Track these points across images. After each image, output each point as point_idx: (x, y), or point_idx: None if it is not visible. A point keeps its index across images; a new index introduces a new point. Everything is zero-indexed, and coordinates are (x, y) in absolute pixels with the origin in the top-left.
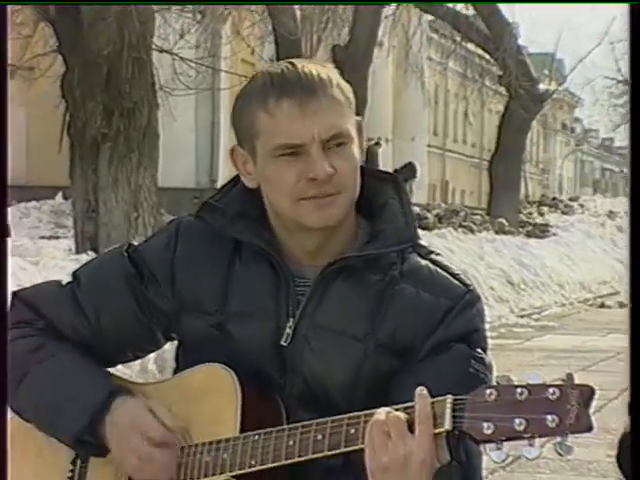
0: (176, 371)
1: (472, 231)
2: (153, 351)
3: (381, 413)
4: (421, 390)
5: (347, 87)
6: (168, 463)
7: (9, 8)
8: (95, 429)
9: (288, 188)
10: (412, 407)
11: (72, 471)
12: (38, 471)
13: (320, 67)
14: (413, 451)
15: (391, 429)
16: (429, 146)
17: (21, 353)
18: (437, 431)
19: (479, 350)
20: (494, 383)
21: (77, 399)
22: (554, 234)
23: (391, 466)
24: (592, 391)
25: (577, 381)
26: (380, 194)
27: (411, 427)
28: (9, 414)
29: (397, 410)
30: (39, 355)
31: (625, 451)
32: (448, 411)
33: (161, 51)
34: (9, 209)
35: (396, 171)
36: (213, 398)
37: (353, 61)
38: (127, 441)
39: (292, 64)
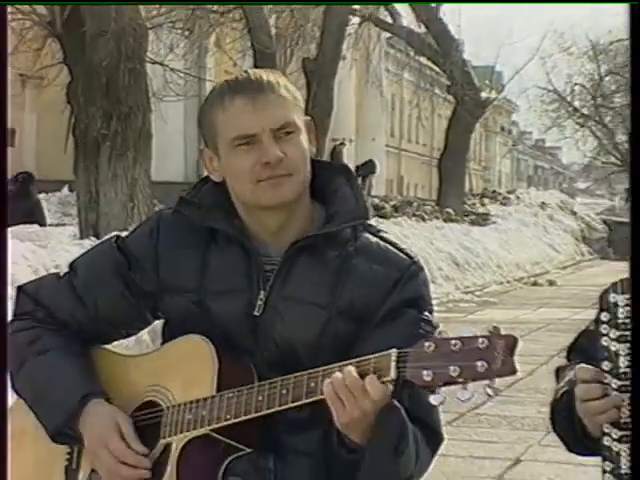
0: (162, 343)
1: (424, 219)
2: (143, 328)
3: (339, 372)
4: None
5: (293, 88)
6: (135, 475)
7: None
8: (72, 426)
9: (247, 173)
10: (364, 361)
11: (70, 453)
12: (40, 446)
13: (269, 72)
14: (371, 404)
15: (351, 388)
16: (387, 146)
17: (21, 344)
18: (384, 380)
19: (426, 313)
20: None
21: (57, 398)
22: (494, 222)
23: (357, 417)
24: (515, 340)
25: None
26: (332, 182)
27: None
28: (13, 396)
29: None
30: (35, 348)
31: (557, 414)
32: (393, 363)
33: (153, 62)
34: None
35: (358, 167)
36: (193, 365)
37: (321, 72)
38: (96, 454)
39: (245, 71)
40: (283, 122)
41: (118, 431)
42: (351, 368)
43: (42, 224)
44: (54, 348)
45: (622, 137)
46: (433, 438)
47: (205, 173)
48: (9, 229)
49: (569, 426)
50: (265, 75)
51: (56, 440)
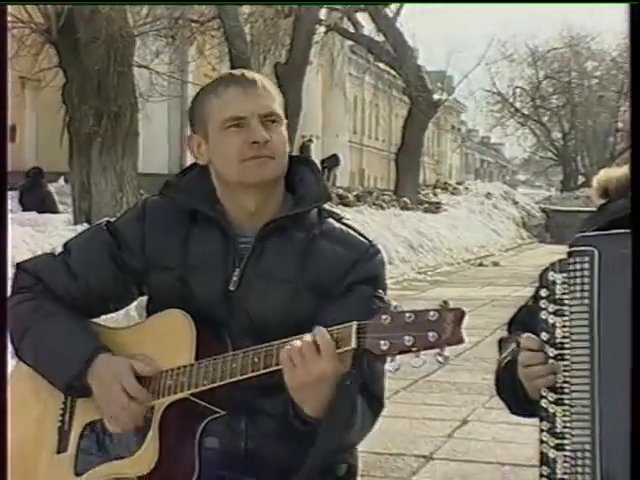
0: (147, 317)
1: (382, 208)
2: (129, 303)
3: (296, 340)
4: (320, 329)
5: (277, 90)
6: (138, 414)
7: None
8: (81, 379)
9: (235, 152)
10: (330, 331)
11: (63, 408)
12: (35, 407)
13: (256, 76)
14: (324, 369)
15: (305, 352)
16: (350, 142)
17: (24, 313)
18: (345, 349)
19: (380, 291)
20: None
21: (67, 354)
22: (445, 210)
23: (307, 381)
24: (463, 313)
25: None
26: (298, 172)
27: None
28: (13, 361)
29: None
30: (39, 315)
31: (501, 380)
32: (354, 334)
33: (140, 66)
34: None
35: (324, 161)
36: (174, 336)
37: (291, 75)
38: (109, 390)
39: (237, 69)
40: (270, 110)
41: (133, 370)
42: (308, 335)
43: (54, 211)
44: (58, 313)
45: (558, 135)
46: (377, 406)
47: (188, 164)
48: (11, 215)
49: (512, 391)
50: (256, 74)
51: (68, 392)
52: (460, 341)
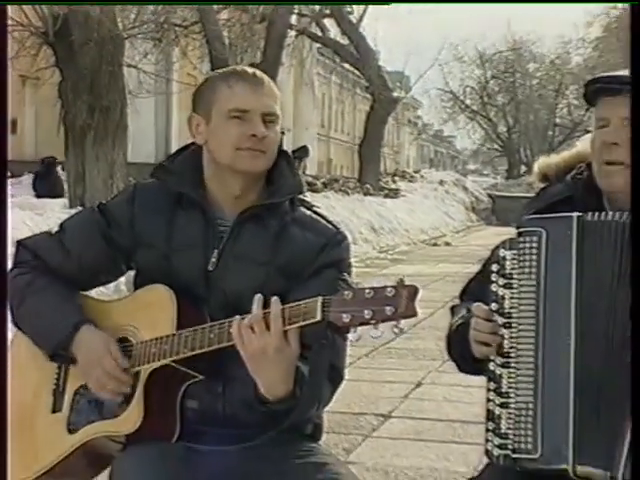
0: (134, 291)
1: (347, 193)
2: (118, 278)
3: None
4: (275, 299)
5: (279, 93)
6: (117, 389)
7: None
8: (66, 347)
9: (233, 139)
10: (295, 306)
11: (58, 373)
12: (33, 372)
13: (266, 76)
14: (269, 342)
15: (255, 326)
16: (318, 134)
17: (21, 285)
18: (311, 321)
19: (344, 274)
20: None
21: (54, 325)
22: (403, 195)
23: (256, 353)
24: (416, 289)
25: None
26: (277, 164)
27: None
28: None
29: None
30: (32, 288)
31: (452, 341)
32: (319, 307)
33: (129, 66)
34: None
35: (295, 151)
36: (158, 309)
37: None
38: (89, 370)
39: (250, 68)
40: (271, 111)
41: (109, 352)
42: (275, 308)
43: (62, 196)
44: (49, 287)
45: (503, 128)
46: (337, 378)
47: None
48: (12, 200)
49: (462, 351)
50: (265, 76)
51: (53, 360)
52: (414, 314)
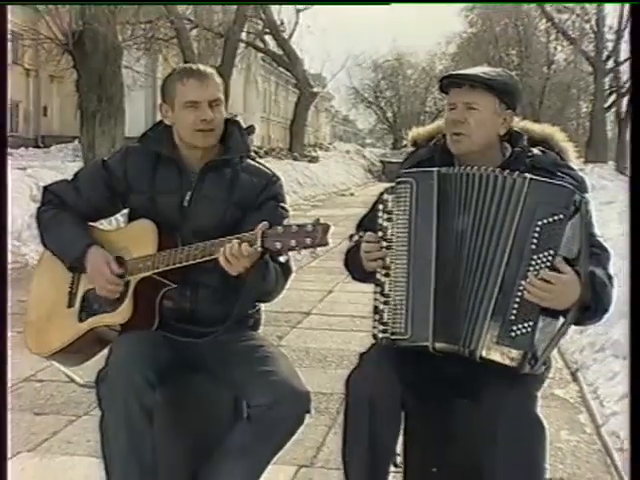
0: (128, 223)
1: (281, 159)
2: (115, 214)
3: (229, 244)
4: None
5: (220, 79)
6: (113, 290)
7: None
8: (79, 261)
9: (190, 124)
10: (245, 235)
11: (72, 278)
12: (55, 275)
13: (208, 67)
14: (245, 263)
15: (235, 253)
16: (261, 117)
17: (47, 218)
18: (255, 247)
19: (281, 204)
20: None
21: (71, 246)
22: (320, 160)
23: (238, 269)
24: (328, 226)
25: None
26: (229, 129)
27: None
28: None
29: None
30: (56, 219)
31: (349, 257)
32: (259, 237)
33: (126, 67)
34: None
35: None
36: (144, 236)
37: (222, 75)
38: (95, 274)
39: (195, 65)
40: (216, 97)
41: (108, 264)
42: (235, 241)
43: None
44: (67, 219)
45: (390, 115)
46: (287, 271)
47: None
48: (39, 163)
49: (354, 264)
50: (208, 68)
51: (70, 270)
52: (326, 244)
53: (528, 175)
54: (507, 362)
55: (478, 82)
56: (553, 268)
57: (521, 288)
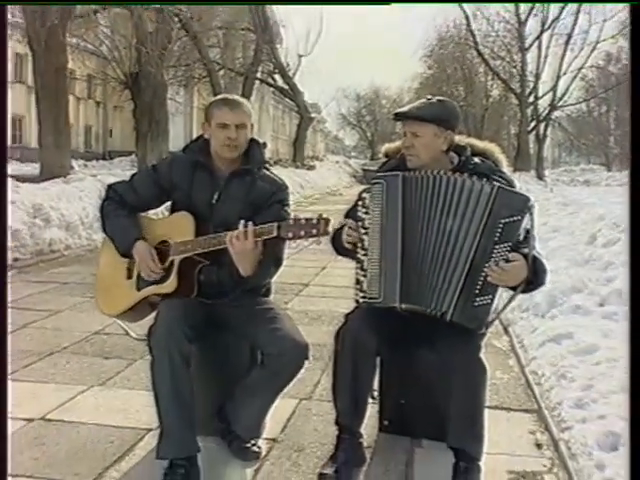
0: (170, 214)
1: (286, 167)
2: (161, 206)
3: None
4: (250, 223)
5: (249, 108)
6: (154, 274)
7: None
8: (129, 250)
9: (220, 140)
10: (264, 227)
11: (129, 268)
12: (115, 255)
13: (242, 99)
14: (247, 246)
15: (240, 237)
16: (271, 136)
17: (109, 210)
18: (271, 236)
19: (286, 208)
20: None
21: (123, 237)
22: (316, 169)
23: (239, 251)
24: (329, 220)
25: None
26: (251, 146)
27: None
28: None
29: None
30: (115, 213)
31: (335, 238)
32: (275, 228)
33: (170, 99)
34: (117, 159)
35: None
36: (183, 224)
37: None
38: (140, 262)
39: (232, 95)
40: (241, 122)
41: (150, 255)
42: (250, 228)
43: None
44: (123, 213)
45: (369, 134)
46: (278, 263)
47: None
48: (112, 171)
49: (338, 244)
50: (238, 98)
51: (124, 256)
52: (328, 234)
53: (496, 184)
54: (470, 325)
55: (417, 117)
56: (508, 259)
57: (485, 270)
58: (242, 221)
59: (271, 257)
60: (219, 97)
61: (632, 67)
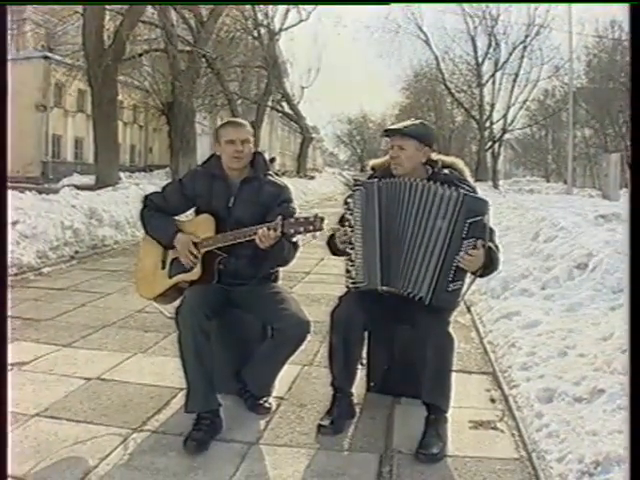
0: (195, 216)
1: (291, 177)
2: (187, 212)
3: (261, 230)
4: (278, 219)
5: (250, 128)
6: (192, 259)
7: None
8: (171, 242)
9: (229, 153)
10: (271, 225)
11: (163, 253)
12: (152, 249)
13: (242, 120)
14: (271, 242)
15: (267, 234)
16: (279, 152)
17: (148, 215)
18: (277, 233)
19: (292, 205)
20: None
21: (165, 232)
22: (316, 179)
23: (268, 245)
24: (323, 218)
25: (320, 215)
26: (256, 157)
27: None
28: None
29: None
30: (154, 216)
31: (330, 240)
32: (279, 225)
33: (198, 123)
34: (156, 171)
35: (270, 159)
36: (206, 224)
37: (256, 126)
38: (182, 250)
39: (234, 118)
40: (245, 138)
41: (191, 243)
42: (265, 227)
43: None
44: (161, 216)
45: (359, 151)
46: (296, 247)
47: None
48: (151, 180)
49: (332, 244)
50: (241, 120)
51: (166, 248)
52: (322, 230)
53: (462, 190)
54: (445, 306)
55: (403, 134)
56: (475, 247)
57: (456, 260)
58: (279, 217)
59: (278, 251)
60: (225, 121)
61: (632, 67)
